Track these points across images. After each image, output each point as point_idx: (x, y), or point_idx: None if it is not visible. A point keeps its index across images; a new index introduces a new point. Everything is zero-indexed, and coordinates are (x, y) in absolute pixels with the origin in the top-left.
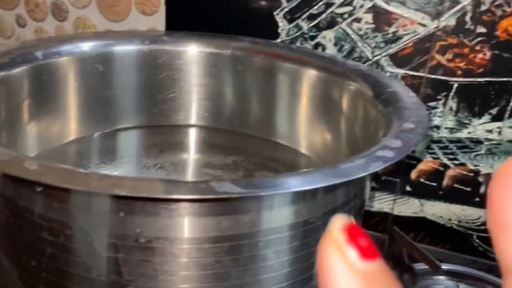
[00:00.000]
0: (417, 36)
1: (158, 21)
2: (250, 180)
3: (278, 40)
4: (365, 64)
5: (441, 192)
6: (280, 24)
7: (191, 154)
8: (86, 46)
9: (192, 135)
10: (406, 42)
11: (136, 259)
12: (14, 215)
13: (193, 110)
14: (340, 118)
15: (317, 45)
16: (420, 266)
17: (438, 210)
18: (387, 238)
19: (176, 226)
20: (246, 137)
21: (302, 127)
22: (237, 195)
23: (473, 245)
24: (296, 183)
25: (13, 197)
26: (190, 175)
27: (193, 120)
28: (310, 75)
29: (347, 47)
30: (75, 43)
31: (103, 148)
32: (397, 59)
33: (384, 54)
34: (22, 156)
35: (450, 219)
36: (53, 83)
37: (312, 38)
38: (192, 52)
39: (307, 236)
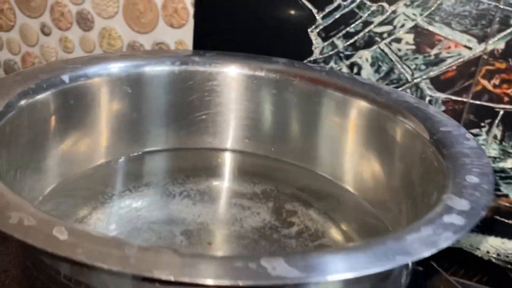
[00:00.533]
0: (461, 59)
1: (186, 34)
2: (306, 257)
3: (312, 59)
4: (405, 87)
5: (480, 224)
6: (314, 41)
7: (219, 181)
8: (114, 67)
9: (223, 160)
10: (449, 65)
11: None
12: (38, 270)
13: (225, 134)
14: (394, 157)
15: (352, 65)
16: None
17: (475, 242)
18: (422, 271)
19: None
20: (283, 164)
21: (347, 160)
22: (294, 281)
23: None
24: (360, 264)
25: (37, 252)
26: (216, 205)
27: (226, 144)
28: (359, 105)
29: (384, 68)
30: (102, 64)
31: (129, 173)
32: (439, 83)
33: (424, 77)
34: (50, 220)
35: (488, 252)
36: (79, 107)
37: (348, 57)
38: (228, 74)
39: None
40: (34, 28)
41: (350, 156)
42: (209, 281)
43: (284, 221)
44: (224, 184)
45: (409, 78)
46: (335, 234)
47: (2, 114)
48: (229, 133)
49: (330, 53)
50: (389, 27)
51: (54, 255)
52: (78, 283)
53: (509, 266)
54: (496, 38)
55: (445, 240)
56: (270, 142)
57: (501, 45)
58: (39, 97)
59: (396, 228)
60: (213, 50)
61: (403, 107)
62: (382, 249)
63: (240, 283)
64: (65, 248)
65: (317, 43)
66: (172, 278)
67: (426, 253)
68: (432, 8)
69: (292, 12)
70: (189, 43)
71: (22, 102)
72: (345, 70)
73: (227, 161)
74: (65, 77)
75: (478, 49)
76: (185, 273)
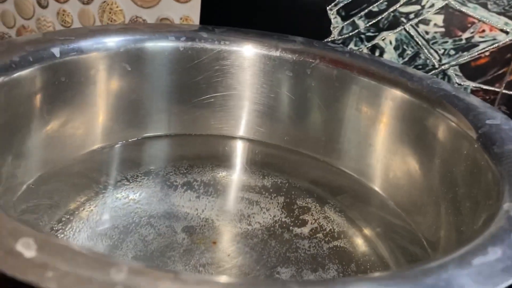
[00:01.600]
0: (496, 45)
1: (192, 9)
2: (344, 284)
3: (329, 39)
4: (431, 73)
5: None
6: (333, 20)
7: (226, 172)
8: (112, 42)
9: (231, 149)
10: (481, 51)
11: None
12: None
13: (235, 120)
14: (434, 156)
15: (374, 48)
16: None
17: None
18: None
19: None
20: (299, 156)
21: (375, 155)
22: None
23: None
24: None
25: None
26: (221, 199)
27: (235, 131)
28: (390, 93)
29: (409, 52)
30: (99, 37)
31: (127, 160)
32: (469, 70)
33: (453, 63)
34: (17, 228)
35: None
36: (71, 85)
37: (369, 39)
38: (240, 53)
39: None
40: None
41: (377, 151)
42: None
43: (296, 218)
44: (231, 175)
45: (436, 64)
46: (353, 235)
47: None
48: (240, 119)
49: (350, 33)
50: (417, 7)
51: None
52: None
53: None
54: None
55: None
56: (284, 131)
57: None
58: (23, 72)
59: (426, 232)
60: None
61: (440, 95)
62: (444, 277)
63: None
64: (30, 270)
65: (336, 23)
66: None
67: (501, 285)
68: None
69: None
70: (195, 20)
71: (1, 77)
72: (366, 52)
73: (236, 149)
74: (55, 50)
75: None
76: None
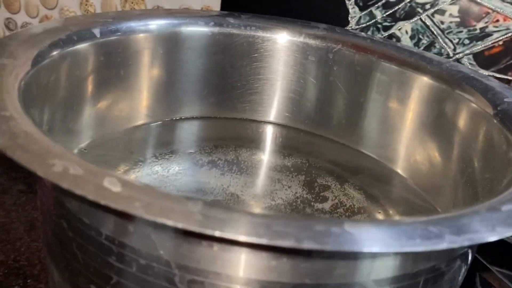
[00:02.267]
0: (509, 34)
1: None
2: (391, 224)
3: (347, 29)
4: None
5: None
6: (350, 10)
7: (249, 152)
8: (150, 25)
9: (256, 131)
10: (495, 40)
11: None
12: (74, 230)
13: (265, 105)
14: (453, 136)
15: (391, 37)
16: None
17: None
18: None
19: (283, 269)
20: (321, 139)
21: (400, 140)
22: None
23: None
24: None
25: (76, 210)
26: (244, 177)
27: (265, 115)
28: (415, 79)
29: (425, 41)
30: (135, 20)
31: (159, 139)
32: (482, 59)
33: (467, 52)
34: (99, 170)
35: None
36: (111, 65)
37: (386, 28)
38: (266, 38)
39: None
40: None
41: (400, 134)
42: (287, 243)
43: (317, 195)
44: (254, 155)
45: (451, 53)
46: (373, 211)
47: (34, 62)
48: (266, 104)
49: (368, 23)
50: None
51: (103, 208)
52: (122, 245)
53: None
54: None
55: None
56: (306, 115)
57: None
58: (71, 49)
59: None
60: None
61: (459, 77)
62: (477, 219)
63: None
64: (120, 200)
65: (354, 13)
66: (247, 239)
67: None
68: None
69: None
70: (216, 9)
71: (55, 53)
72: None
73: (258, 132)
74: (96, 31)
75: None
76: (261, 234)
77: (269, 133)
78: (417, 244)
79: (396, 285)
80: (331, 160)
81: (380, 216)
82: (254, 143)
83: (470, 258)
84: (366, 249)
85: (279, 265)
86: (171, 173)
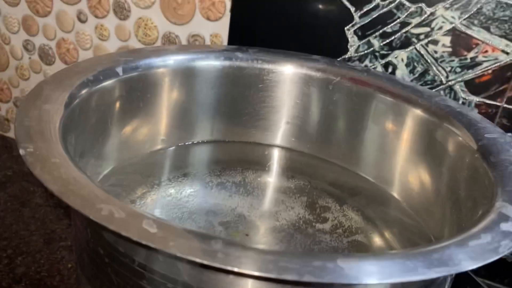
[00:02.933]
0: (497, 64)
1: (222, 27)
2: (378, 259)
3: (346, 56)
4: (438, 88)
5: None
6: (350, 39)
7: (254, 175)
8: (168, 60)
9: (261, 154)
10: (485, 69)
11: None
12: (110, 257)
13: (272, 130)
14: (442, 165)
15: (387, 64)
16: None
17: None
18: None
19: None
20: (322, 162)
21: (395, 165)
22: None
23: None
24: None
25: (112, 240)
26: (250, 198)
27: (272, 139)
28: (408, 111)
29: (419, 69)
30: (152, 57)
31: (173, 163)
32: (473, 86)
33: (459, 79)
34: (137, 214)
35: None
36: (132, 98)
37: (383, 56)
38: (271, 70)
39: None
40: (70, 14)
41: (394, 159)
42: (291, 277)
43: (318, 216)
44: (259, 177)
45: (444, 80)
46: (369, 231)
47: (67, 104)
48: (274, 130)
49: (366, 51)
50: (427, 29)
51: (142, 245)
52: (152, 271)
53: None
54: None
55: (505, 248)
56: (308, 139)
57: None
58: (98, 87)
59: (433, 229)
60: (248, 44)
61: (446, 111)
62: (447, 253)
63: (324, 280)
64: (157, 241)
65: (353, 41)
66: (259, 274)
67: (488, 260)
68: (472, 12)
69: (330, 9)
70: (224, 37)
71: (84, 92)
72: (379, 69)
73: (264, 155)
74: (119, 70)
75: None
76: (270, 270)
77: (274, 156)
78: (395, 277)
79: None
80: (331, 182)
81: (375, 236)
82: (260, 165)
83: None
84: (354, 281)
85: None
86: (183, 195)
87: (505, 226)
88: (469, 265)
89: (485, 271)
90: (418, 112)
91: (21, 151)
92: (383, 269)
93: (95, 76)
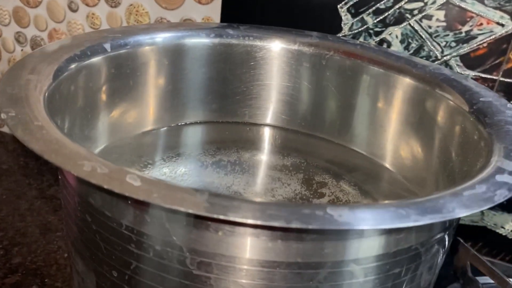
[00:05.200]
0: (493, 37)
1: (213, 10)
2: (369, 207)
3: (341, 35)
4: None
5: (504, 202)
6: (343, 17)
7: (250, 153)
8: (156, 38)
9: (256, 134)
10: (480, 43)
11: (229, 280)
12: (97, 223)
13: (263, 108)
14: (433, 132)
15: (382, 41)
16: (485, 280)
17: (500, 220)
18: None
19: (278, 250)
20: (318, 140)
21: (386, 137)
22: (360, 227)
23: None
24: (422, 214)
25: (98, 205)
26: (246, 176)
27: (263, 118)
28: (396, 80)
29: (414, 45)
30: (141, 34)
31: (166, 143)
32: (469, 60)
33: (454, 54)
34: (121, 169)
35: None
36: (122, 76)
37: (377, 33)
38: (264, 47)
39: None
40: (61, 4)
41: (388, 132)
42: (278, 223)
43: (315, 192)
44: (255, 156)
45: (439, 56)
46: None
47: (55, 76)
48: (264, 108)
49: (360, 29)
50: (420, 4)
51: (123, 201)
52: (139, 233)
53: None
54: None
55: (500, 196)
56: (303, 117)
57: None
58: (86, 63)
59: None
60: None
61: (440, 79)
62: (441, 202)
63: (310, 226)
64: (141, 192)
65: (347, 19)
66: (245, 221)
67: (483, 207)
68: None
69: None
70: (216, 20)
71: (72, 66)
72: None
73: (259, 134)
74: (107, 46)
75: (511, 26)
76: (257, 217)
77: (269, 135)
78: (387, 223)
79: (378, 263)
80: (327, 159)
81: None
82: (255, 144)
83: (447, 242)
84: (345, 226)
85: (275, 247)
86: (178, 174)
87: (500, 178)
88: (462, 212)
89: (486, 248)
90: (411, 81)
91: (3, 115)
92: (375, 216)
93: (82, 51)
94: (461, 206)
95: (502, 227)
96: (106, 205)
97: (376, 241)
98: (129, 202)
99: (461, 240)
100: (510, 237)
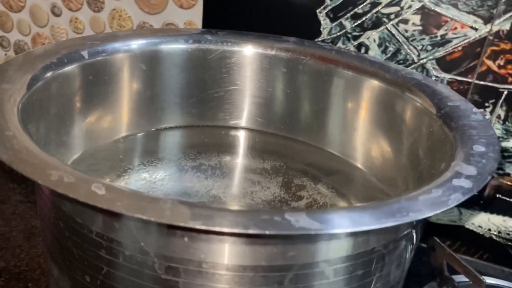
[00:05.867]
0: (467, 40)
1: (195, 15)
2: (325, 212)
3: (320, 39)
4: (411, 67)
5: (481, 202)
6: (322, 22)
7: (230, 157)
8: (132, 45)
9: (235, 137)
10: (455, 46)
11: (197, 284)
12: (70, 229)
13: (239, 112)
14: (402, 134)
15: (360, 45)
16: (461, 278)
17: (477, 220)
18: (426, 247)
19: (243, 254)
20: (293, 142)
21: (358, 138)
22: (314, 232)
23: None
24: (377, 218)
25: (70, 212)
26: (226, 180)
27: (240, 121)
28: (369, 83)
29: (391, 48)
30: (119, 41)
31: (145, 148)
32: (444, 63)
33: (430, 57)
34: (87, 178)
35: (489, 229)
36: (98, 83)
37: (355, 38)
38: (241, 52)
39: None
40: (44, 9)
41: (359, 134)
42: (237, 230)
43: (294, 194)
44: (235, 160)
45: (416, 59)
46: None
47: (29, 85)
48: (242, 111)
49: (338, 33)
50: (397, 8)
51: (92, 208)
52: (109, 240)
53: (509, 243)
54: (501, 19)
55: (454, 200)
56: (281, 121)
57: (507, 26)
58: (62, 70)
59: None
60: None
61: (411, 83)
62: (396, 206)
63: (267, 232)
64: (105, 201)
65: (326, 24)
66: (205, 228)
67: (437, 211)
68: None
69: None
70: (198, 24)
71: (47, 75)
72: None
73: (239, 138)
74: (85, 53)
75: (484, 30)
76: (217, 224)
77: (249, 139)
78: (341, 227)
79: (342, 264)
80: (305, 161)
81: None
82: (235, 148)
83: (415, 238)
84: (300, 231)
85: (240, 251)
86: (158, 178)
87: (457, 182)
88: (416, 216)
89: (464, 247)
90: (382, 86)
91: None
92: (330, 221)
93: (59, 59)
94: (415, 211)
95: (480, 226)
96: (76, 212)
97: (336, 244)
98: (98, 209)
99: (438, 240)
100: (487, 236)
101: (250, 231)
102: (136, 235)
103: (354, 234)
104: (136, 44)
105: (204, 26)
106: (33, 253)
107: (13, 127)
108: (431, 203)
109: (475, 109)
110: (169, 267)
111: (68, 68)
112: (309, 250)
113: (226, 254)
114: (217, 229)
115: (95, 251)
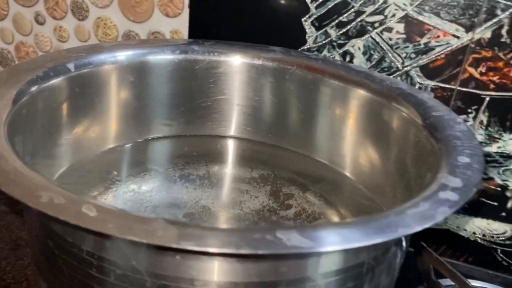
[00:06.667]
0: (449, 48)
1: (181, 23)
2: (316, 229)
3: (305, 47)
4: (395, 75)
5: (466, 205)
6: (307, 30)
7: (218, 167)
8: (118, 56)
9: (223, 147)
10: (438, 54)
11: None
12: (59, 248)
13: (226, 121)
14: (389, 142)
15: (345, 53)
16: (447, 282)
17: (462, 223)
18: (413, 252)
19: (234, 271)
20: (281, 150)
21: (345, 146)
22: (306, 250)
23: (497, 259)
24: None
25: (60, 231)
26: (214, 190)
27: (227, 131)
28: (355, 93)
29: (376, 56)
30: (105, 53)
31: (133, 159)
32: (428, 71)
33: (414, 65)
34: (78, 199)
35: (474, 233)
36: (84, 95)
37: (341, 46)
38: (227, 62)
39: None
40: (27, 17)
41: (347, 142)
42: (230, 251)
43: (282, 203)
44: (223, 169)
45: (400, 66)
46: (332, 215)
47: (15, 100)
48: (230, 121)
49: (324, 42)
50: (381, 17)
51: (83, 230)
52: (100, 259)
53: (494, 246)
54: (482, 28)
55: (441, 214)
56: (268, 129)
57: (488, 34)
58: (48, 83)
59: (387, 207)
60: (208, 39)
61: (397, 93)
62: (385, 222)
63: (260, 252)
64: (96, 223)
65: (311, 32)
66: (197, 249)
67: (425, 225)
68: None
69: (286, 1)
70: (184, 33)
71: (33, 89)
72: (338, 58)
73: (227, 147)
74: (71, 66)
75: (466, 38)
76: (209, 244)
77: (237, 148)
78: (334, 245)
79: (333, 278)
80: (293, 170)
81: (336, 219)
82: (223, 157)
83: (404, 244)
84: (290, 250)
85: (232, 268)
86: (146, 190)
87: (443, 194)
88: (406, 231)
89: (449, 250)
90: (368, 94)
91: None
92: (322, 238)
93: (45, 72)
94: (404, 225)
95: (465, 230)
96: (67, 231)
97: (327, 258)
98: (88, 230)
99: (424, 245)
100: (472, 239)
101: (242, 251)
102: (128, 254)
103: (344, 249)
104: (123, 55)
105: (190, 34)
106: (19, 266)
107: (0, 147)
108: (419, 217)
109: (459, 119)
110: (161, 285)
111: (54, 81)
112: (300, 265)
113: (217, 272)
114: (209, 250)
115: (85, 270)
